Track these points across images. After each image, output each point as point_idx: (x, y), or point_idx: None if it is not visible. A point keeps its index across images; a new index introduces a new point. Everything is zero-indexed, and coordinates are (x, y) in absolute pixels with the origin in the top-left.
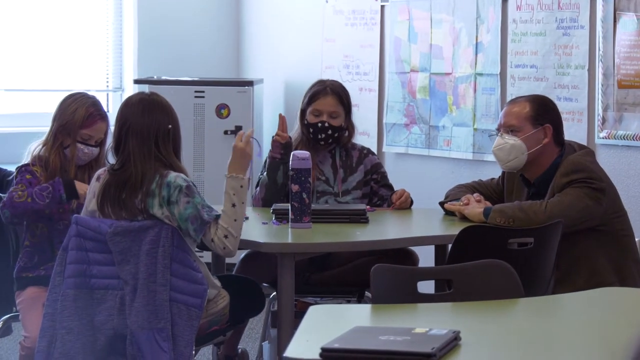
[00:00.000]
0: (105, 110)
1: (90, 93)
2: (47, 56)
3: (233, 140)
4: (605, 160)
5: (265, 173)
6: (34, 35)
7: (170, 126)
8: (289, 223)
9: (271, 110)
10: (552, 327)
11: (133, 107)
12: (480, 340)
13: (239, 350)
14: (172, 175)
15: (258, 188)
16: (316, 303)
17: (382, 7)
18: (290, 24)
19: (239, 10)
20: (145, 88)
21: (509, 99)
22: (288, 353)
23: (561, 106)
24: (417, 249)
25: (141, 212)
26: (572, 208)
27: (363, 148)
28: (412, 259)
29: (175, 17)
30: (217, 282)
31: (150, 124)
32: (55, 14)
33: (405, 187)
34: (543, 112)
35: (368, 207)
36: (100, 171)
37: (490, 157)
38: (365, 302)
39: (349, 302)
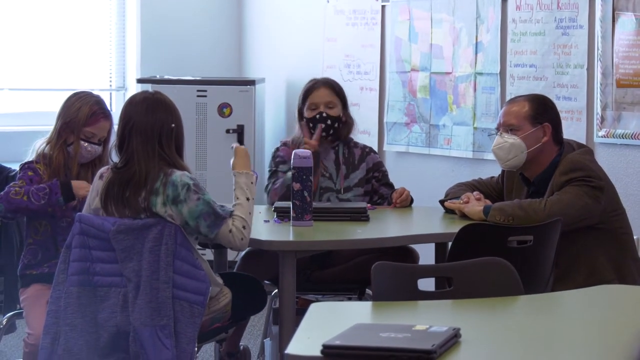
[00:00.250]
0: (109, 109)
1: (94, 92)
2: (51, 56)
3: (235, 140)
4: (604, 159)
5: (290, 173)
6: (37, 35)
7: (173, 125)
8: (291, 221)
9: (273, 109)
10: (551, 324)
11: (137, 106)
12: (480, 337)
13: (241, 347)
14: (177, 174)
15: (279, 184)
16: (317, 300)
17: (383, 7)
18: (291, 23)
19: (241, 10)
20: (148, 87)
21: (508, 98)
22: (289, 350)
23: (560, 105)
24: (417, 247)
25: (144, 210)
26: (571, 206)
27: (365, 146)
28: (412, 256)
29: (178, 17)
30: (219, 280)
31: (154, 122)
32: (59, 13)
33: (406, 185)
34: (542, 111)
35: (369, 205)
36: (103, 169)
37: (490, 156)
38: (366, 300)
39: (350, 299)
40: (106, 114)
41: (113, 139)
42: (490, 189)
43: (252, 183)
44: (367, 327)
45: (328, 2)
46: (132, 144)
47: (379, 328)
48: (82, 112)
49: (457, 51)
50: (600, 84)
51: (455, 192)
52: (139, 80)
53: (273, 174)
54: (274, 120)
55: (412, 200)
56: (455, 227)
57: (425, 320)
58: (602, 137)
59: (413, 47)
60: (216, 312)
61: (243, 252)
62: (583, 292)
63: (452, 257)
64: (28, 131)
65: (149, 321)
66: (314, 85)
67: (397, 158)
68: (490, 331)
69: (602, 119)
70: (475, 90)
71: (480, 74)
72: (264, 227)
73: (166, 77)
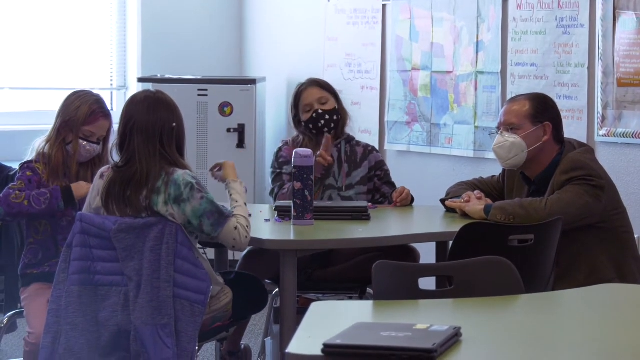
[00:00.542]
0: (109, 108)
1: (94, 91)
2: (52, 55)
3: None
4: (605, 158)
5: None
6: (38, 34)
7: (174, 124)
8: (292, 220)
9: (274, 108)
10: (552, 323)
11: (138, 105)
12: (481, 336)
13: (242, 346)
14: (179, 173)
15: (287, 191)
16: (318, 299)
17: (384, 6)
18: (292, 22)
19: (242, 9)
20: (149, 86)
21: (509, 97)
22: (290, 349)
23: (561, 104)
24: (418, 246)
25: (145, 209)
26: (572, 205)
27: (368, 145)
28: (413, 255)
29: (179, 16)
30: (220, 279)
31: (155, 121)
32: (60, 12)
33: (407, 184)
34: (542, 110)
35: (370, 204)
36: (103, 169)
37: (491, 155)
38: (367, 299)
39: (350, 298)
40: (105, 113)
41: (113, 138)
42: (491, 188)
43: (245, 191)
44: (368, 326)
45: (329, 1)
46: (133, 143)
47: (379, 327)
48: (81, 111)
49: (458, 50)
50: (601, 83)
51: (456, 191)
52: (140, 80)
53: (277, 176)
54: (274, 119)
55: (412, 199)
56: (456, 226)
57: (426, 319)
58: (603, 136)
59: (414, 46)
60: (217, 311)
61: (245, 251)
62: (584, 291)
63: (453, 256)
64: (29, 130)
65: (150, 320)
66: (301, 88)
67: (398, 157)
68: (491, 330)
69: (603, 118)
70: (476, 89)
71: (481, 72)
72: (265, 226)
73: (167, 76)
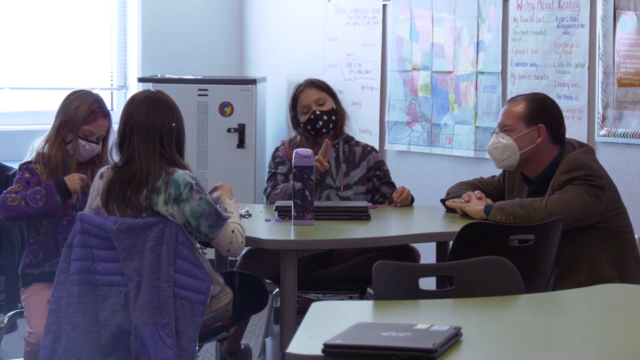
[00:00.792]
0: (110, 108)
1: (94, 91)
2: (52, 55)
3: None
4: (605, 158)
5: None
6: (38, 34)
7: (174, 125)
8: (292, 220)
9: (274, 108)
10: (552, 323)
11: (138, 105)
12: (481, 336)
13: (242, 346)
14: (179, 173)
15: (280, 191)
16: (318, 299)
17: (384, 6)
18: (292, 22)
19: (242, 9)
20: (149, 86)
21: (509, 97)
22: (291, 349)
23: (561, 104)
24: (418, 246)
25: (146, 209)
26: (573, 205)
27: (367, 145)
28: (413, 255)
29: (179, 16)
30: (221, 279)
31: (155, 121)
32: (60, 12)
33: (407, 184)
34: (537, 111)
35: (370, 204)
36: (103, 169)
37: None
38: (367, 299)
39: (351, 298)
40: (105, 113)
41: (112, 137)
42: (491, 188)
43: (238, 209)
44: (368, 326)
45: (329, 1)
46: (133, 143)
47: (380, 327)
48: (80, 110)
49: (458, 50)
50: (602, 83)
51: (456, 191)
52: (140, 79)
53: (272, 176)
54: (275, 119)
55: (413, 199)
56: (456, 226)
57: (427, 319)
58: (603, 136)
59: (414, 46)
60: (217, 311)
61: (244, 250)
62: (584, 291)
63: (453, 256)
64: (29, 130)
65: (150, 320)
66: (298, 89)
67: (399, 157)
68: (492, 330)
69: (603, 118)
70: (476, 89)
71: (482, 72)
72: (265, 226)
73: (167, 76)
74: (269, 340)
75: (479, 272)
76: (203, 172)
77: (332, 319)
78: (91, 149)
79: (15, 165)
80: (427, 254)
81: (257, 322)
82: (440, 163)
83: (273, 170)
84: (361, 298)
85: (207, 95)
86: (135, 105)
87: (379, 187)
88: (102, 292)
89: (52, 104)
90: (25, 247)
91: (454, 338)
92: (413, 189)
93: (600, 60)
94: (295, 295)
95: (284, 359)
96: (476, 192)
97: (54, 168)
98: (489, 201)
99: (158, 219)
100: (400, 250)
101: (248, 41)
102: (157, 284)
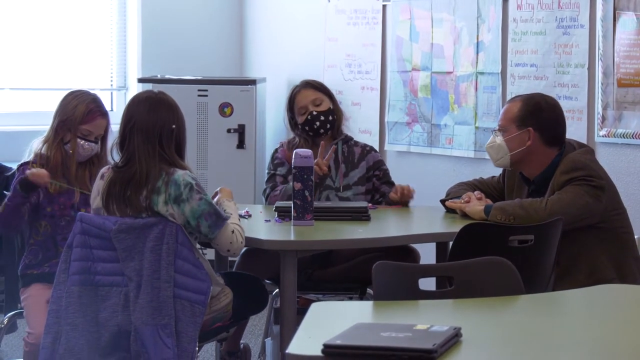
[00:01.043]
0: (110, 109)
1: (94, 92)
2: (52, 55)
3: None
4: (605, 158)
5: (290, 185)
6: (38, 35)
7: (174, 126)
8: (292, 220)
9: (274, 108)
10: (552, 323)
11: (139, 105)
12: (481, 336)
13: (241, 345)
14: (180, 173)
15: (279, 193)
16: (318, 300)
17: (384, 6)
18: (292, 23)
19: (242, 10)
20: (149, 87)
21: (509, 97)
22: (290, 349)
23: (561, 105)
24: (418, 247)
25: (146, 209)
26: (572, 205)
27: (366, 145)
28: (413, 256)
29: (179, 16)
30: (220, 279)
31: (154, 122)
32: (60, 13)
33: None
34: (528, 114)
35: (370, 204)
36: (104, 169)
37: None
38: (367, 299)
39: (350, 299)
40: (102, 112)
41: (111, 137)
42: (491, 189)
43: (237, 211)
44: (368, 327)
45: (329, 1)
46: (133, 143)
47: (379, 327)
48: (78, 110)
49: (458, 50)
50: (601, 84)
51: (456, 191)
52: (140, 80)
53: (271, 177)
54: (275, 119)
55: (412, 197)
56: (456, 227)
57: (426, 319)
58: (603, 136)
59: (414, 47)
60: (217, 311)
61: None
62: (584, 291)
63: (453, 256)
64: (29, 131)
65: (150, 320)
66: (295, 90)
67: (399, 158)
68: (491, 330)
69: (603, 119)
70: (476, 89)
71: (482, 73)
72: (265, 226)
73: (167, 76)
74: (268, 341)
75: (478, 272)
76: (203, 172)
77: (331, 319)
78: (90, 149)
79: (15, 166)
80: (427, 254)
81: (257, 323)
82: (440, 163)
83: (272, 172)
84: (361, 298)
85: (207, 95)
86: (136, 106)
87: (379, 187)
88: (102, 293)
89: (52, 104)
90: (25, 248)
91: (454, 338)
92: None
93: (600, 61)
94: (295, 296)
95: (284, 359)
96: (476, 192)
97: (54, 169)
98: (489, 201)
99: (158, 220)
100: (400, 251)
101: (248, 42)
102: (157, 284)
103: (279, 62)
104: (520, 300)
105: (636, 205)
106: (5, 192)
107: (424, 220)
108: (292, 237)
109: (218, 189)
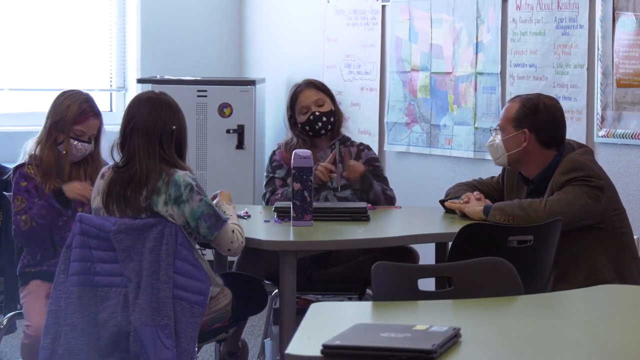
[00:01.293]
0: (109, 109)
1: (93, 92)
2: (51, 56)
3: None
4: (604, 159)
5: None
6: (37, 35)
7: (174, 127)
8: (291, 221)
9: (273, 109)
10: (551, 323)
11: (140, 106)
12: (480, 337)
13: (240, 344)
14: (180, 174)
15: (280, 197)
16: (318, 300)
17: (383, 7)
18: (292, 23)
19: (242, 10)
20: (148, 87)
21: (508, 97)
22: (290, 350)
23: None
24: (417, 247)
25: (145, 210)
26: (572, 206)
27: (361, 144)
28: (412, 256)
29: (178, 17)
30: (220, 280)
31: (155, 122)
32: (59, 14)
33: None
34: (524, 116)
35: (369, 205)
36: (104, 169)
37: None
38: (366, 300)
39: (350, 299)
40: (95, 112)
41: (104, 136)
42: (490, 189)
43: (236, 214)
44: (367, 327)
45: (328, 2)
46: (134, 143)
47: (379, 328)
48: (71, 110)
49: (457, 51)
50: (601, 84)
51: (455, 192)
52: (139, 81)
53: (270, 180)
54: (274, 120)
55: (365, 172)
56: (455, 227)
57: (426, 320)
58: (602, 137)
59: (413, 47)
60: (217, 312)
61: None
62: (583, 291)
63: (453, 257)
64: (28, 131)
65: (149, 321)
66: (298, 89)
67: (398, 158)
68: (491, 331)
69: (603, 119)
70: (475, 90)
71: (481, 73)
72: (264, 227)
73: (166, 77)
74: (268, 341)
75: (478, 273)
76: (202, 173)
77: (331, 319)
78: (83, 149)
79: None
80: (426, 254)
81: (257, 323)
82: (439, 164)
83: (271, 175)
84: (360, 299)
85: (206, 96)
86: (137, 106)
87: None
88: (101, 293)
89: None
90: (25, 248)
91: (453, 339)
92: (412, 190)
93: (599, 61)
94: (294, 296)
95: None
96: (475, 192)
97: (47, 169)
98: (488, 202)
99: (157, 220)
100: (400, 251)
101: (247, 42)
102: (157, 284)
103: (279, 62)
104: (519, 300)
105: (635, 206)
106: (5, 192)
107: (423, 221)
108: (291, 238)
109: (217, 192)
